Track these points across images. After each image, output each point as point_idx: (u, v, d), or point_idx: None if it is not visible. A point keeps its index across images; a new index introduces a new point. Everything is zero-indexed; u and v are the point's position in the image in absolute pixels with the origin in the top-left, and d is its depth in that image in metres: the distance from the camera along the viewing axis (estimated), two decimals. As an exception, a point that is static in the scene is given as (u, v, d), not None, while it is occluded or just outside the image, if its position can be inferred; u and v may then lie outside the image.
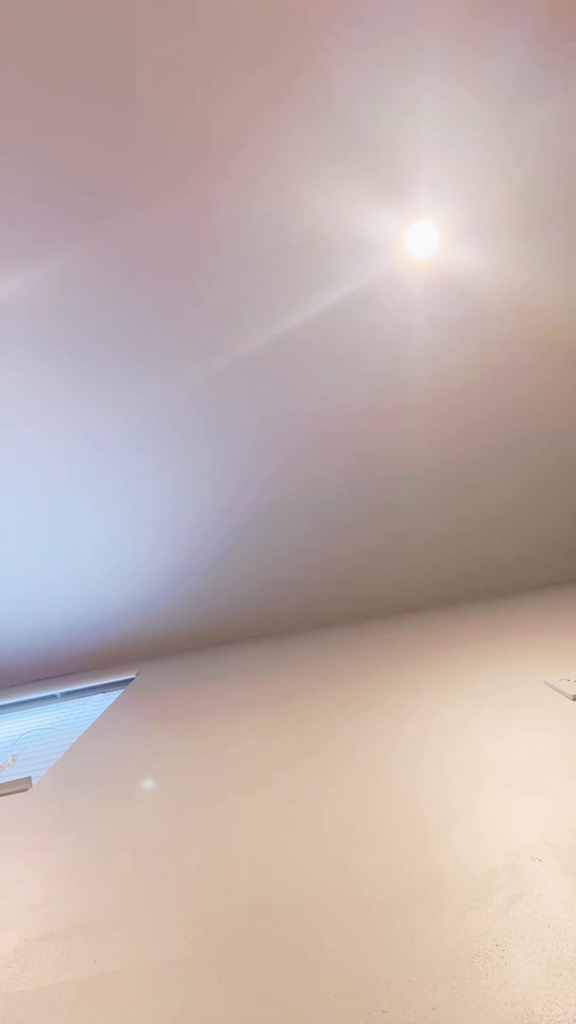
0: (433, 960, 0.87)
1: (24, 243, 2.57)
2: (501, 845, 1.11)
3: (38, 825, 1.68)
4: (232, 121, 2.32)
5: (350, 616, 3.51)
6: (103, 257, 2.64)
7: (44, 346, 2.88)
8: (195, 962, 0.99)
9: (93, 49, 2.13)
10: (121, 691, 3.06)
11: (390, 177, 2.39)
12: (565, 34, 2.05)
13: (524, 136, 2.28)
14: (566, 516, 3.37)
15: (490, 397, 3.03)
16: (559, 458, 3.24)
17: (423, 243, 2.55)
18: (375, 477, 3.31)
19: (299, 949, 0.96)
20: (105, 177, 2.44)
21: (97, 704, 3.01)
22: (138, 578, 3.54)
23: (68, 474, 3.28)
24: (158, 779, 1.83)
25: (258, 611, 3.56)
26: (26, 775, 2.04)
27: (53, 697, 3.34)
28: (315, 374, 3.05)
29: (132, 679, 3.24)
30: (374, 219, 2.50)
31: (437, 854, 1.13)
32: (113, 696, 3.03)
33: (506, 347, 2.89)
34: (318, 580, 3.52)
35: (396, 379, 3.03)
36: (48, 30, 2.08)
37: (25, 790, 1.92)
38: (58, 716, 2.99)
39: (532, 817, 1.18)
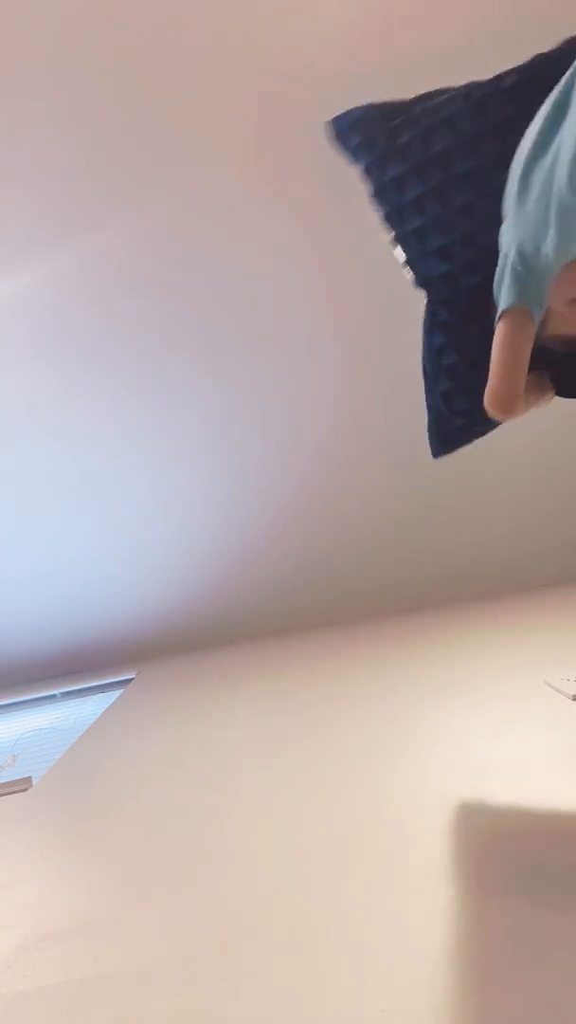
0: (433, 960, 0.87)
1: (22, 243, 2.57)
2: (501, 845, 1.11)
3: (38, 825, 1.68)
4: (231, 121, 2.32)
5: (349, 616, 3.50)
6: (102, 258, 2.64)
7: (42, 346, 2.88)
8: (195, 962, 0.98)
9: (93, 52, 2.13)
10: (121, 691, 3.05)
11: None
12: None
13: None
14: (566, 516, 3.37)
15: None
16: (560, 458, 3.24)
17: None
18: (374, 478, 3.31)
19: (299, 949, 0.96)
20: (104, 178, 2.44)
21: (97, 704, 3.01)
22: (138, 577, 3.53)
23: (67, 473, 3.27)
24: (158, 779, 1.83)
25: (259, 610, 3.56)
26: (26, 775, 2.04)
27: (53, 697, 3.34)
28: (317, 372, 3.05)
29: (132, 679, 3.24)
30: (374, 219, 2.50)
31: (437, 854, 1.13)
32: (113, 696, 3.03)
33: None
34: (318, 579, 3.51)
35: (396, 377, 3.03)
36: (47, 35, 2.08)
37: (25, 790, 1.92)
38: (58, 716, 2.99)
39: (532, 818, 1.18)
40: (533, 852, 1.07)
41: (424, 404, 1.46)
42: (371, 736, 1.77)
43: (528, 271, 1.08)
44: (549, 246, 1.05)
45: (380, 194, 1.31)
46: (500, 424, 1.38)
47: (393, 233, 1.31)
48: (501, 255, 1.14)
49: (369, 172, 1.31)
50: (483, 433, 1.46)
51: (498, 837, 1.14)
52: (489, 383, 1.14)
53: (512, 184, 1.13)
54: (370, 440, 3.23)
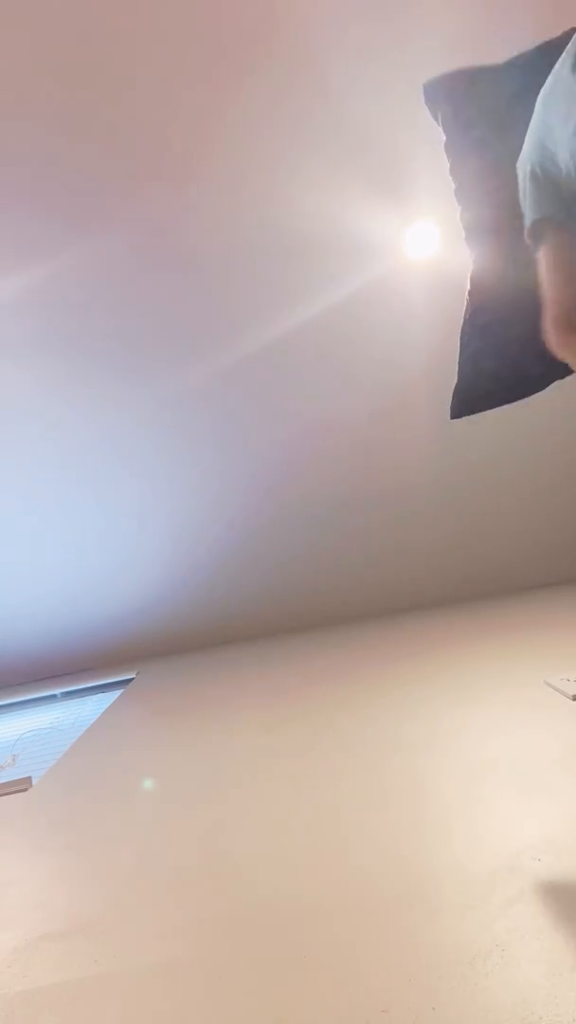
0: (433, 960, 0.87)
1: (28, 243, 2.57)
2: (501, 845, 1.11)
3: (38, 825, 1.68)
4: (230, 122, 2.32)
5: (350, 616, 3.51)
6: (107, 258, 2.64)
7: (50, 345, 2.88)
8: (195, 962, 0.98)
9: (93, 54, 2.13)
10: (121, 691, 3.06)
11: (389, 177, 2.39)
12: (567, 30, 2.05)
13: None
14: (566, 516, 3.37)
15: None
16: (560, 458, 3.24)
17: (423, 243, 2.55)
18: (376, 477, 3.31)
19: (299, 949, 0.96)
20: (106, 179, 2.43)
21: (97, 704, 3.01)
22: (139, 578, 3.54)
23: (70, 474, 3.27)
24: (158, 779, 1.83)
25: (258, 611, 3.56)
26: (26, 775, 2.04)
27: (53, 697, 3.34)
28: (318, 375, 3.05)
29: (132, 679, 3.24)
30: (373, 219, 2.50)
31: (437, 854, 1.13)
32: (113, 696, 3.03)
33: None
34: (318, 579, 3.51)
35: (397, 380, 3.03)
36: (48, 35, 2.08)
37: (25, 790, 1.92)
38: (58, 716, 2.99)
39: (532, 817, 1.18)
40: (532, 851, 1.07)
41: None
42: (369, 735, 1.77)
43: (548, 180, 1.10)
44: (565, 154, 1.06)
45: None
46: (521, 396, 1.37)
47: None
48: (521, 177, 1.15)
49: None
50: (504, 401, 1.44)
51: (497, 837, 1.14)
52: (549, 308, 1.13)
53: (535, 116, 1.15)
54: (369, 441, 3.22)
